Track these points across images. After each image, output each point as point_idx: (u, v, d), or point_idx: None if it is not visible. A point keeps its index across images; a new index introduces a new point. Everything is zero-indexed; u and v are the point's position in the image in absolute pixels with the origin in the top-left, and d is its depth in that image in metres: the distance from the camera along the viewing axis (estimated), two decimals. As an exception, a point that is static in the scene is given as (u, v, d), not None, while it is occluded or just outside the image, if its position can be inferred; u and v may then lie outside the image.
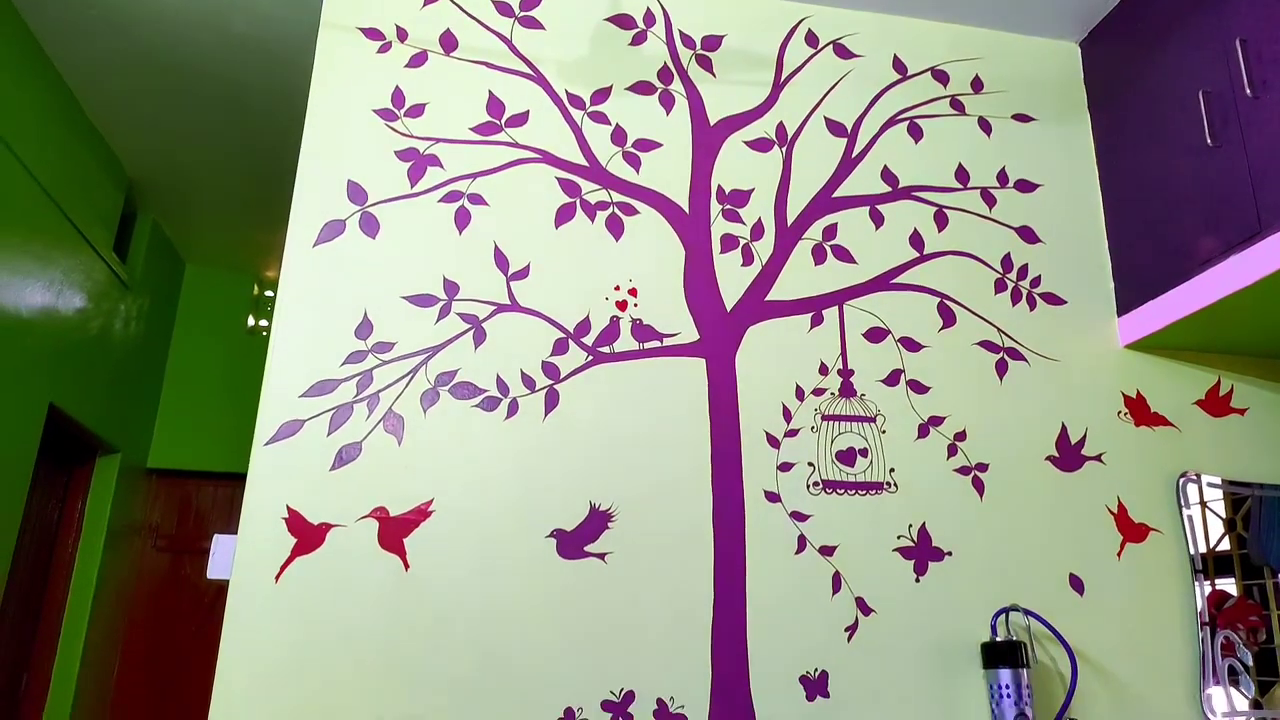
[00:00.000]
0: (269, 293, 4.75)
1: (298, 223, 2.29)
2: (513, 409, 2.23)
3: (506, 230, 2.36)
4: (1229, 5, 2.21)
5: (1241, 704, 2.26)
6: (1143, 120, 2.48)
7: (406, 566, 2.08)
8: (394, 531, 2.10)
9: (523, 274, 2.33)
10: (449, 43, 2.47)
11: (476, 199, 2.37)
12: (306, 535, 2.07)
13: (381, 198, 2.34)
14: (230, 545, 2.06)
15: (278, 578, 2.03)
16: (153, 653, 4.26)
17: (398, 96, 2.41)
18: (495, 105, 2.45)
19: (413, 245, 2.31)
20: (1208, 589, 2.35)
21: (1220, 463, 2.42)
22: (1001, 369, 2.42)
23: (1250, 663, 2.29)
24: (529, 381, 2.25)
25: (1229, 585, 2.46)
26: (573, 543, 2.15)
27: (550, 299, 2.33)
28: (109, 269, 3.83)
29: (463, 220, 2.35)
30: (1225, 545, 2.47)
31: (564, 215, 2.40)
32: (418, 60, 2.44)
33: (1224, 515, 2.43)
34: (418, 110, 2.41)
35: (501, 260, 2.34)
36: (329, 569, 2.05)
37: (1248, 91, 2.12)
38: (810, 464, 2.29)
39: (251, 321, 4.71)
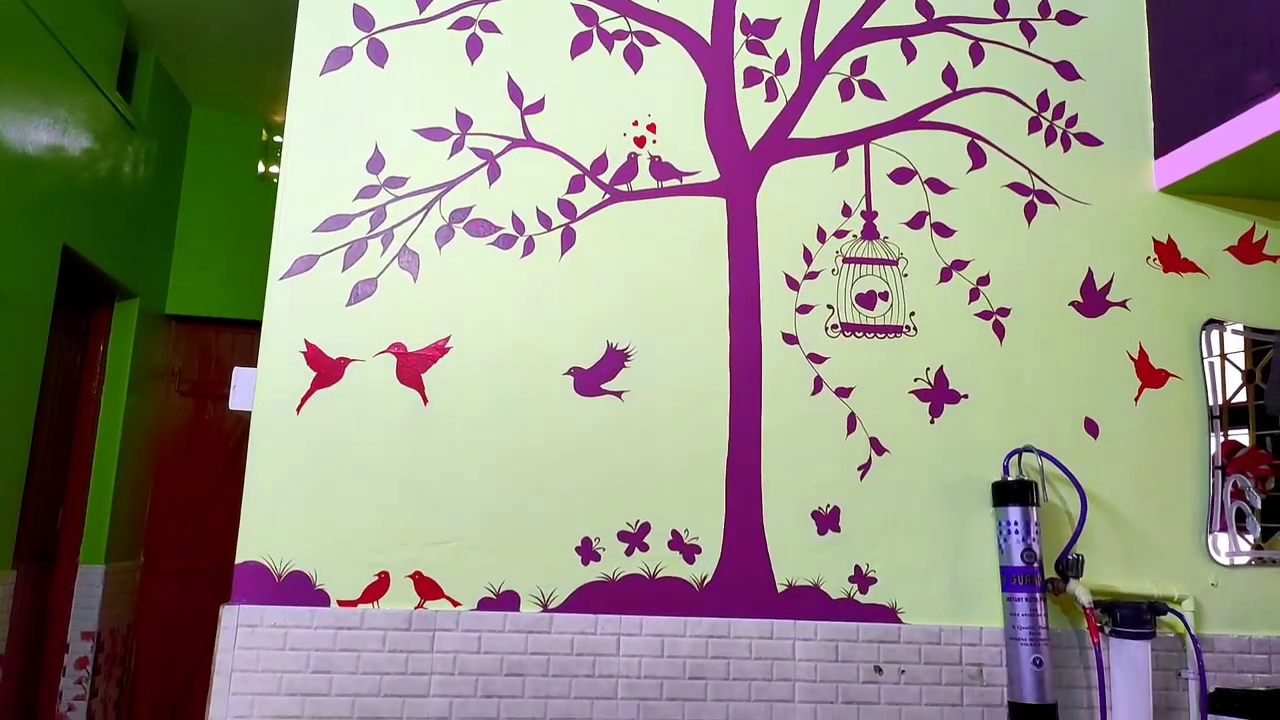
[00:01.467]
0: (278, 138, 4.64)
1: (303, 49, 2.20)
2: (529, 247, 2.19)
3: (520, 60, 2.26)
4: None
5: (1245, 546, 2.30)
6: (1200, -55, 2.32)
7: (425, 401, 2.10)
8: (412, 367, 2.11)
9: (537, 107, 2.25)
10: None
11: (488, 26, 2.26)
12: (325, 369, 2.09)
13: (389, 23, 2.23)
14: (251, 377, 2.08)
15: (299, 409, 2.06)
16: (182, 491, 4.41)
17: (404, -88, 2.27)
18: (507, -77, 2.30)
19: (423, 75, 2.23)
20: (1222, 438, 2.35)
21: (1247, 310, 2.37)
22: (1030, 212, 2.35)
23: (1258, 506, 2.32)
24: (545, 219, 2.21)
25: (1242, 436, 2.47)
26: (590, 381, 2.16)
27: (566, 134, 2.25)
28: (114, 109, 3.73)
29: (474, 49, 2.25)
30: (1242, 397, 2.46)
31: (580, 45, 2.29)
32: (424, -128, 2.28)
33: (1243, 367, 2.41)
34: (425, -73, 2.27)
35: (515, 92, 2.25)
36: (349, 402, 2.08)
37: (1319, -92, 1.96)
38: (829, 306, 2.26)
39: (262, 168, 4.62)
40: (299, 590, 1.99)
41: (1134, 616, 2.08)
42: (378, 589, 2.01)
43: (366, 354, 2.10)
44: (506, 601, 2.04)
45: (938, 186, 2.34)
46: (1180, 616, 2.15)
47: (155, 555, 4.32)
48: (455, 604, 2.03)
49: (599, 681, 2.02)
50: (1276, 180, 2.30)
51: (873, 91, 2.36)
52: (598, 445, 2.13)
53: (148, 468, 4.34)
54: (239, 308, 4.44)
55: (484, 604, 2.03)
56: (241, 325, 4.50)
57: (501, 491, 2.09)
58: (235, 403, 2.10)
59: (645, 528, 2.11)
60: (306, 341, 2.09)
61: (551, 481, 2.10)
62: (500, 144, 2.23)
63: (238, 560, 1.99)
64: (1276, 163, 2.19)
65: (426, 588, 2.02)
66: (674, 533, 2.12)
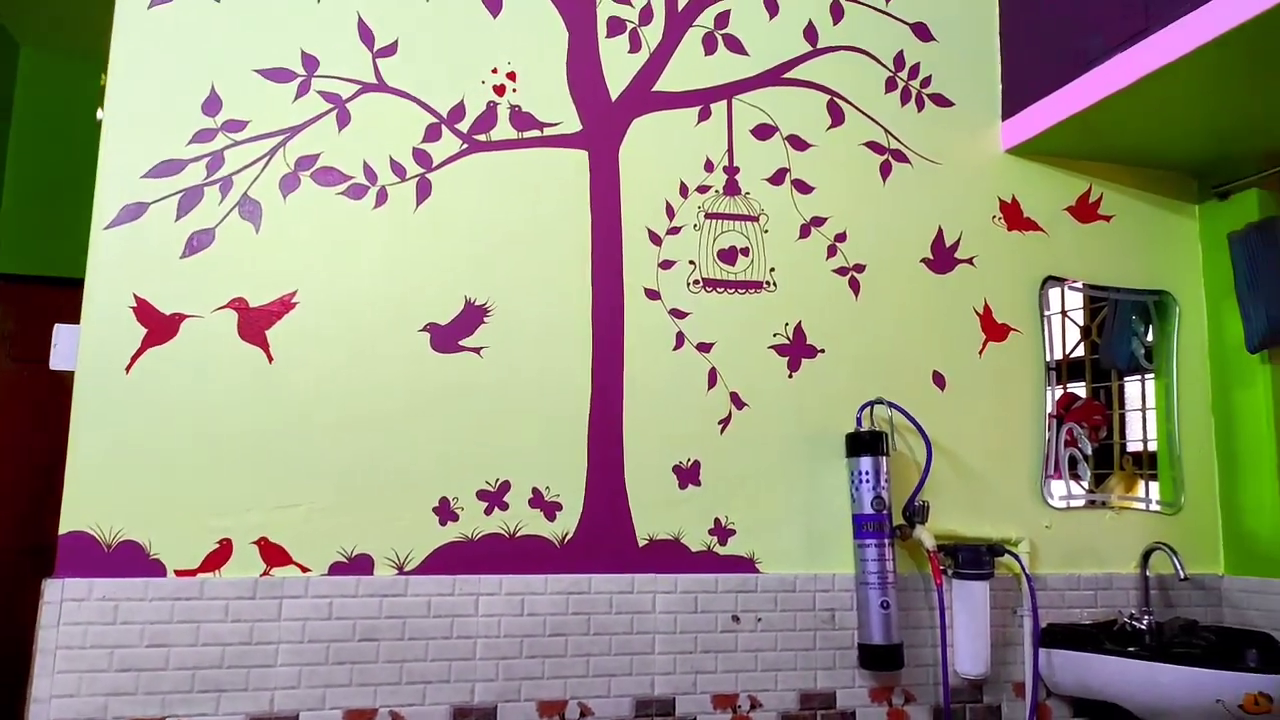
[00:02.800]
0: (119, 83, 4.30)
1: (128, -22, 2.03)
2: (381, 198, 2.10)
3: None
4: None
5: (1078, 491, 2.44)
6: (1046, -87, 2.39)
7: (270, 359, 1.99)
8: (255, 323, 2.00)
9: (390, 50, 2.15)
10: None
11: (335, -39, 2.14)
12: (158, 325, 1.95)
13: (225, -46, 2.08)
14: (73, 334, 1.93)
15: (129, 369, 1.93)
16: (16, 466, 4.10)
17: None
18: None
19: (264, 11, 2.09)
20: (1059, 392, 2.48)
21: (1084, 267, 2.50)
22: (885, 170, 2.40)
23: (1090, 453, 2.47)
24: (399, 169, 2.12)
25: (1079, 389, 2.61)
26: (447, 337, 2.10)
27: (421, 80, 2.16)
28: (-78, 44, 3.38)
29: (320, -15, 2.12)
30: (1079, 351, 2.60)
31: (435, -14, 2.19)
32: None
33: (1081, 323, 2.55)
34: None
35: (366, 33, 2.14)
36: (185, 360, 1.95)
37: (1151, -120, 2.04)
38: (691, 262, 2.26)
39: (101, 114, 4.29)
40: (131, 560, 1.86)
41: (974, 559, 2.19)
42: (219, 557, 1.91)
43: (204, 309, 1.98)
44: (360, 565, 1.97)
45: (798, 143, 2.36)
46: (1016, 558, 2.27)
47: (-13, 532, 4.01)
48: (304, 569, 1.94)
49: (457, 643, 1.98)
50: (1111, 142, 2.42)
51: (736, 46, 2.35)
52: (456, 403, 2.07)
53: (-23, 438, 4.01)
54: (79, 266, 4.12)
55: (335, 568, 1.96)
56: (82, 285, 4.19)
57: (354, 453, 2.01)
58: (56, 362, 1.94)
59: (505, 486, 2.08)
60: (136, 296, 1.95)
61: (407, 441, 2.04)
62: (350, 88, 2.12)
63: (61, 530, 1.85)
64: (1111, 124, 2.30)
65: (273, 554, 1.94)
66: (535, 490, 2.09)
